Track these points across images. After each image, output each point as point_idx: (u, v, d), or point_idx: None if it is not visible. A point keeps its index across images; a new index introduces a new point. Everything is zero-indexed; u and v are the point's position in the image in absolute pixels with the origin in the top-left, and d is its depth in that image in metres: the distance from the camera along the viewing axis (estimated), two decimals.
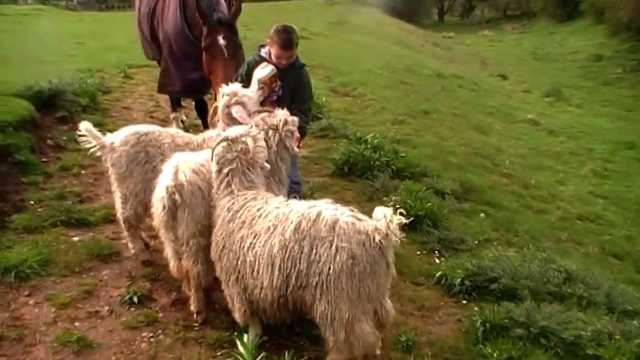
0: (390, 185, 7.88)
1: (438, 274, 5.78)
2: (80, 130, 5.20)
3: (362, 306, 3.70)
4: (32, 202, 6.48)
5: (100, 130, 5.32)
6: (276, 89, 5.88)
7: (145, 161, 5.11)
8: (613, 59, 35.05)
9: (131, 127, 5.39)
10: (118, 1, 73.93)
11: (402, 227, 6.54)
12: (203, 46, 6.75)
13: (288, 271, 3.72)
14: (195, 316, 4.66)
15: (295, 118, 4.98)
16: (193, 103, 9.04)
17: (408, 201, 7.00)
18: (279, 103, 5.67)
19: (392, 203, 7.04)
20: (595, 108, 24.82)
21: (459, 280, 5.63)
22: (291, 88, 5.91)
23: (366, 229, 3.68)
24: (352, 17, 41.72)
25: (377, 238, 3.62)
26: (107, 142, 5.17)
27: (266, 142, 4.69)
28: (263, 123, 4.83)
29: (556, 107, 23.87)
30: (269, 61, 5.78)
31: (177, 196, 4.24)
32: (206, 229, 4.35)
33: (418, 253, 6.43)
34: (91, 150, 5.28)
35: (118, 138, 5.17)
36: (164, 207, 4.29)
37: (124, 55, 16.04)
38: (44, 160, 7.72)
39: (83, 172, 7.55)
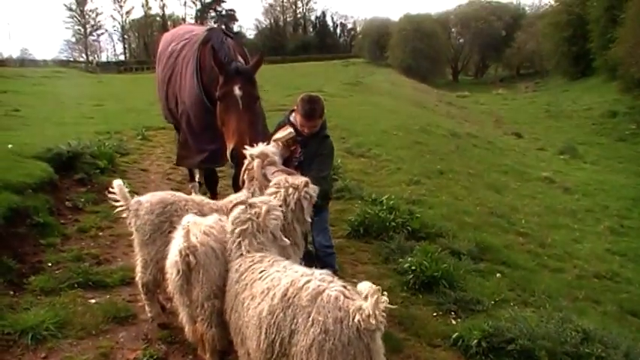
0: (405, 246, 7.88)
1: (454, 336, 5.74)
2: (112, 188, 5.26)
3: None
4: (50, 264, 6.51)
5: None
6: (297, 155, 6.04)
7: (169, 231, 5.07)
8: (627, 115, 35.14)
9: (158, 194, 5.41)
10: (136, 63, 75.67)
11: (418, 289, 6.58)
12: (217, 95, 6.41)
13: (272, 336, 3.62)
14: None
15: (316, 187, 5.06)
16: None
17: (424, 262, 7.00)
18: (300, 168, 5.82)
19: (407, 264, 7.07)
20: (610, 164, 24.80)
21: (475, 341, 5.58)
22: (312, 156, 6.00)
23: (348, 306, 3.44)
24: (367, 78, 42.26)
25: (356, 318, 3.35)
26: (133, 206, 5.20)
27: (285, 201, 4.81)
28: (285, 182, 4.94)
29: (571, 164, 23.90)
30: (295, 127, 5.96)
31: (191, 258, 4.21)
32: (220, 290, 4.30)
33: (434, 314, 6.40)
34: (117, 210, 5.33)
35: (143, 205, 5.18)
36: (178, 271, 4.27)
37: (142, 117, 16.35)
38: (62, 221, 7.79)
39: (101, 234, 7.60)
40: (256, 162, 5.32)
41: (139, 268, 5.31)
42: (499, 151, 22.65)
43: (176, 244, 4.34)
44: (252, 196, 5.26)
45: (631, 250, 12.55)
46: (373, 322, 3.29)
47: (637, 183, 21.05)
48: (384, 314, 3.31)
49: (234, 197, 5.62)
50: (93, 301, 5.79)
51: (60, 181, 8.67)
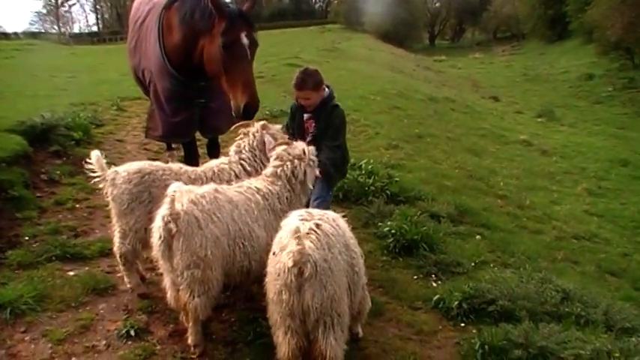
0: (385, 210, 7.89)
1: (435, 298, 5.76)
2: (89, 159, 5.23)
3: None
4: (27, 238, 6.43)
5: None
6: (312, 130, 6.09)
7: (148, 201, 5.09)
8: (604, 78, 35.46)
9: (136, 163, 5.34)
10: (109, 33, 74.64)
11: (399, 252, 6.61)
12: (222, 42, 5.93)
13: None
14: (192, 348, 4.59)
15: (312, 148, 5.18)
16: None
17: (404, 226, 7.01)
18: (315, 142, 5.82)
19: (387, 228, 7.08)
20: (587, 127, 24.98)
21: (456, 303, 5.61)
22: (324, 128, 6.00)
23: None
24: (344, 44, 42.05)
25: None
26: (110, 176, 5.16)
27: (293, 173, 4.95)
28: (286, 154, 5.02)
29: (548, 127, 24.03)
30: (301, 105, 6.10)
31: (172, 225, 4.19)
32: (202, 260, 4.26)
33: (415, 277, 6.42)
34: (94, 181, 5.29)
35: (120, 174, 5.13)
36: (160, 236, 4.27)
37: (117, 87, 16.15)
38: (38, 194, 7.69)
39: (78, 205, 7.52)
40: (258, 124, 5.49)
41: (116, 239, 5.26)
42: (477, 115, 22.69)
43: (161, 210, 4.29)
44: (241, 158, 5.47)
45: (608, 211, 12.70)
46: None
47: (614, 145, 21.24)
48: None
49: (213, 164, 5.60)
50: (71, 273, 5.74)
51: (35, 154, 8.53)
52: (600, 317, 5.73)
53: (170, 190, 4.30)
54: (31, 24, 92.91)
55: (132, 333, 4.75)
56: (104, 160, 5.28)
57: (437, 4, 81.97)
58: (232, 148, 5.70)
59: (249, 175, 5.39)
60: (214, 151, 7.59)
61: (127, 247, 5.17)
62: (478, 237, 8.09)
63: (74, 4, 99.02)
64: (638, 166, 17.85)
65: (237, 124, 5.84)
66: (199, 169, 5.54)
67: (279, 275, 3.78)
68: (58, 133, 9.30)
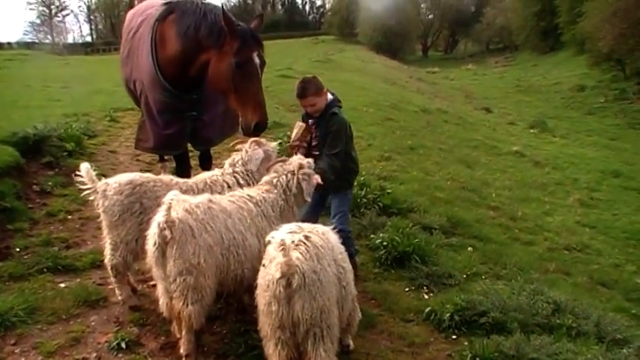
0: (377, 222, 7.89)
1: (427, 310, 5.77)
2: (79, 171, 5.22)
3: None
4: (18, 249, 6.42)
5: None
6: (314, 136, 6.15)
7: (139, 212, 5.09)
8: (596, 89, 35.70)
9: (127, 175, 5.36)
10: (103, 44, 74.63)
11: (391, 264, 6.62)
12: (235, 61, 5.92)
13: None
14: (184, 359, 4.57)
15: (310, 160, 5.33)
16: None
17: (396, 237, 7.01)
18: (318, 149, 6.06)
19: (379, 240, 7.09)
20: (580, 138, 25.09)
21: (448, 315, 5.61)
22: (324, 135, 6.03)
23: None
24: (337, 55, 42.17)
25: None
26: (100, 188, 5.16)
27: (287, 186, 5.15)
28: (282, 169, 5.20)
29: (541, 138, 24.11)
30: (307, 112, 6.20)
31: (166, 232, 4.24)
32: (195, 268, 4.30)
33: (407, 289, 6.42)
34: (85, 193, 5.28)
35: (111, 186, 5.14)
36: (155, 243, 4.30)
37: (110, 98, 16.15)
38: (30, 206, 7.68)
39: (69, 217, 7.50)
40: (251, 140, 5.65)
41: (107, 251, 5.25)
42: (470, 126, 22.74)
43: (157, 217, 4.36)
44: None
45: (600, 222, 12.72)
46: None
47: (606, 156, 21.33)
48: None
49: (205, 175, 5.65)
50: (63, 285, 5.73)
51: (27, 165, 8.53)
52: (592, 329, 5.75)
53: (167, 198, 4.35)
54: (24, 34, 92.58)
55: (123, 345, 4.73)
56: (94, 172, 5.28)
57: (430, 16, 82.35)
58: (227, 162, 5.76)
59: (241, 188, 5.40)
60: (207, 163, 7.60)
61: (118, 259, 5.16)
62: (470, 249, 8.10)
63: (68, 15, 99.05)
64: (629, 177, 17.92)
65: (236, 141, 5.92)
66: (191, 181, 5.55)
67: (268, 287, 3.82)
68: (50, 144, 9.31)
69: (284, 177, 5.16)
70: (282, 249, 3.70)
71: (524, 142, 22.09)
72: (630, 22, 30.97)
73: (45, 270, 5.93)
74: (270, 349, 3.95)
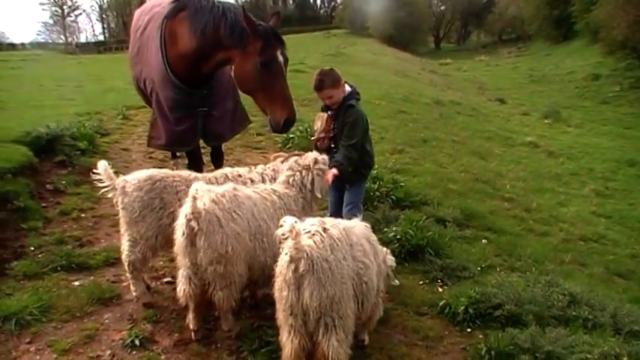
0: (390, 215, 7.85)
1: (441, 304, 5.73)
2: (96, 169, 5.24)
3: None
4: (32, 248, 6.43)
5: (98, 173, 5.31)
6: (331, 128, 6.23)
7: (159, 207, 5.14)
8: (610, 78, 35.36)
9: (145, 171, 5.39)
10: (115, 42, 74.82)
11: (404, 258, 6.59)
12: (260, 61, 5.99)
13: None
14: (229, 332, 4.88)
15: (325, 157, 5.44)
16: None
17: (409, 230, 6.98)
18: (335, 140, 6.17)
19: (392, 234, 7.05)
20: (594, 127, 24.92)
21: (462, 308, 5.57)
22: (341, 126, 6.07)
23: None
24: (349, 49, 42.08)
25: None
26: (119, 185, 5.19)
27: (302, 182, 5.27)
28: (296, 165, 5.35)
29: (555, 128, 23.98)
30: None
31: (193, 223, 4.36)
32: (224, 257, 4.44)
33: (421, 282, 6.40)
34: (103, 190, 5.30)
35: (130, 182, 5.17)
36: (183, 233, 4.44)
37: (122, 96, 16.16)
38: (44, 205, 7.70)
39: (83, 215, 7.52)
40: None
41: (125, 247, 5.25)
42: (483, 118, 22.66)
43: (184, 207, 4.48)
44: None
45: (616, 212, 12.64)
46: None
47: (621, 145, 21.18)
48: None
49: (225, 170, 5.74)
50: (77, 283, 5.73)
51: (40, 165, 8.55)
52: (608, 320, 5.69)
53: (192, 189, 4.43)
54: (37, 34, 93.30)
55: (137, 343, 4.73)
56: (111, 170, 5.28)
57: (442, 8, 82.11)
58: (259, 166, 5.95)
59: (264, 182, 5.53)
60: (218, 160, 7.67)
61: (137, 255, 5.18)
62: (484, 241, 8.06)
63: (80, 14, 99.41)
64: None
65: (276, 154, 6.03)
66: (210, 175, 5.61)
67: (280, 272, 3.90)
68: (63, 143, 9.32)
69: (298, 174, 5.27)
70: (294, 233, 3.74)
71: (538, 132, 22.00)
72: None
73: (59, 268, 5.93)
74: (284, 336, 4.01)
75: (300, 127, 11.57)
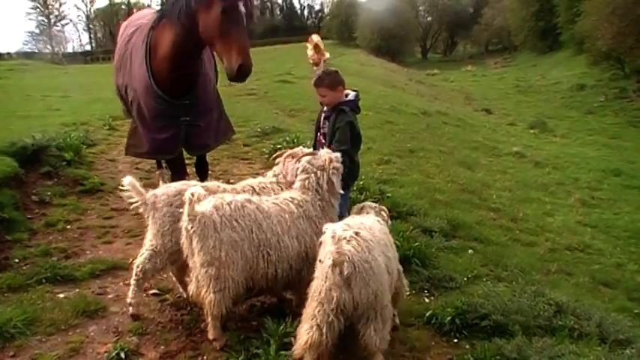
0: None
1: (427, 314, 5.72)
2: (123, 185, 5.31)
3: None
4: (17, 260, 6.39)
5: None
6: (323, 126, 6.47)
7: None
8: (595, 88, 35.75)
9: (173, 185, 5.49)
10: (102, 52, 74.73)
11: None
12: (222, 6, 6.08)
13: None
14: (213, 342, 4.86)
15: (338, 154, 5.42)
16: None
17: (396, 241, 6.96)
18: (325, 138, 6.32)
19: None
20: (580, 137, 25.08)
21: (449, 318, 5.57)
22: (332, 129, 6.15)
23: None
24: (336, 59, 42.13)
25: None
26: (150, 200, 5.28)
27: (318, 184, 5.29)
28: (310, 166, 5.33)
29: (541, 138, 24.12)
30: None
31: (189, 226, 4.59)
32: (217, 260, 4.57)
33: (407, 293, 6.38)
34: (133, 205, 5.36)
35: (160, 197, 5.27)
36: (183, 234, 4.72)
37: (109, 107, 16.11)
38: (29, 216, 7.67)
39: (68, 227, 7.49)
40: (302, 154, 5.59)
41: (144, 255, 5.27)
42: (470, 128, 22.75)
43: (184, 209, 4.70)
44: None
45: (602, 222, 12.70)
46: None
47: (606, 155, 21.31)
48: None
49: (251, 182, 5.86)
50: (62, 295, 5.70)
51: (25, 175, 8.52)
52: (594, 329, 5.70)
53: (188, 193, 4.64)
54: (24, 44, 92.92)
55: (122, 355, 4.69)
56: (139, 184, 5.35)
57: (428, 18, 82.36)
58: (270, 173, 6.00)
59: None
60: (202, 170, 7.86)
61: (155, 265, 5.23)
62: (471, 251, 8.07)
63: (67, 24, 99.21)
64: (630, 176, 17.90)
65: (277, 154, 6.03)
66: (237, 186, 5.70)
67: (326, 277, 4.23)
68: (49, 153, 9.30)
69: (313, 176, 5.31)
70: (335, 240, 4.19)
71: (525, 142, 22.11)
72: (629, 20, 30.98)
73: (44, 280, 5.89)
74: (304, 329, 4.32)
75: (287, 138, 11.58)
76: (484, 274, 7.29)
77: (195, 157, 7.89)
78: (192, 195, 4.57)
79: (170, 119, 6.97)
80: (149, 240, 5.32)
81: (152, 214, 5.25)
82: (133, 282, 5.35)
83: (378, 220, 5.09)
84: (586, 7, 35.72)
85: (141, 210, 5.36)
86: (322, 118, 6.49)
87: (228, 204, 4.72)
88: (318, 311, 4.24)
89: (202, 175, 7.85)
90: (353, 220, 4.75)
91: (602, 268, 9.24)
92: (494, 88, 43.74)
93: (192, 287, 4.84)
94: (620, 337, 5.67)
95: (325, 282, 4.23)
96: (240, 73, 6.15)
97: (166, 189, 5.37)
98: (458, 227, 8.87)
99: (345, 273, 4.10)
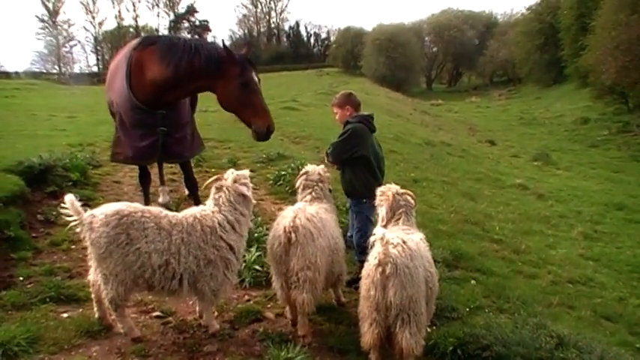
0: None
1: (429, 344, 5.71)
2: (64, 203, 5.16)
3: None
4: (21, 278, 6.43)
5: (89, 205, 5.32)
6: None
7: (125, 243, 5.02)
8: (599, 122, 35.79)
9: (113, 205, 5.29)
10: None
11: None
12: (241, 82, 7.11)
13: None
14: (302, 339, 5.56)
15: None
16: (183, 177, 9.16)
17: None
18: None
19: None
20: (583, 170, 25.06)
21: (450, 348, 5.58)
22: (337, 138, 7.18)
23: None
24: (341, 87, 42.31)
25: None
26: (86, 220, 5.09)
27: (323, 192, 6.48)
28: (310, 182, 6.46)
29: (544, 171, 24.11)
30: None
31: (292, 235, 5.34)
32: (313, 265, 5.40)
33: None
34: (71, 224, 5.22)
35: (97, 217, 5.06)
36: (280, 243, 5.44)
37: None
38: (34, 235, 7.72)
39: (73, 247, 7.52)
40: (230, 179, 5.77)
41: (102, 285, 5.17)
42: (473, 159, 22.79)
43: (282, 221, 5.57)
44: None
45: (604, 255, 12.66)
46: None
47: (609, 188, 21.28)
48: None
49: (195, 210, 5.70)
50: (65, 315, 5.72)
51: (31, 195, 8.60)
52: None
53: (289, 210, 5.71)
54: (32, 64, 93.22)
55: None
56: (79, 204, 5.19)
57: (434, 49, 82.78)
58: (210, 202, 5.74)
59: (229, 224, 5.55)
60: (190, 183, 8.82)
61: (112, 292, 5.08)
62: (473, 282, 8.08)
63: (75, 45, 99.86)
64: (633, 210, 17.86)
65: (210, 181, 5.91)
66: (180, 215, 5.53)
67: (368, 275, 4.91)
68: (55, 173, 9.41)
69: (317, 188, 6.39)
70: (384, 242, 4.74)
71: (528, 174, 22.11)
72: (633, 55, 31.08)
73: (47, 300, 5.92)
74: (365, 327, 4.98)
75: (292, 164, 11.63)
76: (486, 305, 7.29)
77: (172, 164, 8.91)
78: (295, 211, 5.63)
79: (149, 128, 7.69)
80: (95, 267, 5.25)
81: (88, 235, 5.06)
82: (113, 314, 5.34)
83: (421, 239, 5.54)
84: (590, 41, 35.88)
85: (77, 230, 5.20)
86: None
87: (314, 215, 5.66)
88: (368, 309, 4.89)
89: (192, 191, 8.77)
90: (403, 233, 5.30)
91: (604, 302, 9.21)
92: (498, 119, 43.87)
93: (280, 293, 5.73)
94: None
95: (367, 280, 4.88)
96: (268, 133, 7.26)
97: (105, 209, 5.18)
98: (460, 258, 8.88)
99: (387, 273, 4.69)
